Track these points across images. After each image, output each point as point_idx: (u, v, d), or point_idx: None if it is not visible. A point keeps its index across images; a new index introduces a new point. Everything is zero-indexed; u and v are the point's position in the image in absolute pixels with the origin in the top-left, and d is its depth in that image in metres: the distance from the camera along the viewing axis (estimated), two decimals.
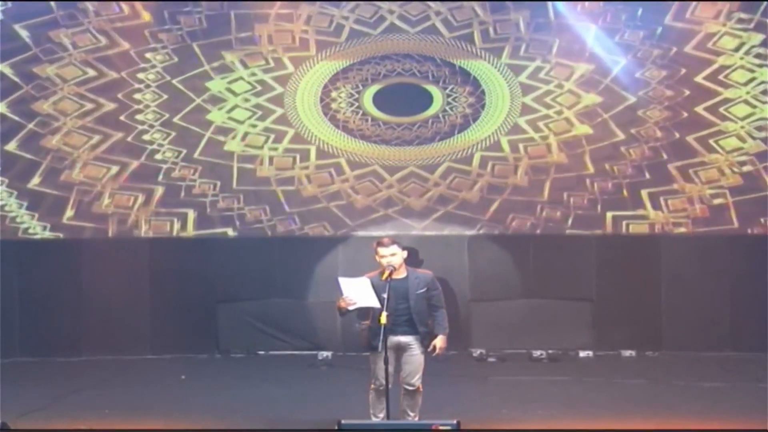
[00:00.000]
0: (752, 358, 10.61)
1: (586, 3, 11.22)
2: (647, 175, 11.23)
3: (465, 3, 11.19)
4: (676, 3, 11.06)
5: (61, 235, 11.34)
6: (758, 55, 11.07)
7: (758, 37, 11.04)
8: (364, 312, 7.63)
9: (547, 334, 11.25)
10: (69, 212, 11.35)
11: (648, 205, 11.27)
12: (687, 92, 11.18)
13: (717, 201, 11.24)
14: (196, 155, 11.38)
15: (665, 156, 11.24)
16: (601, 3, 11.18)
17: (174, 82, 11.34)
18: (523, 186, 11.37)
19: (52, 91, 11.32)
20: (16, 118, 11.33)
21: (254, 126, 11.43)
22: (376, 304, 7.37)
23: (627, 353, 11.28)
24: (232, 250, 11.45)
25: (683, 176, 11.25)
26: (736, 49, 11.09)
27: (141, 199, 11.39)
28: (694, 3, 11.05)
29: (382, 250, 7.59)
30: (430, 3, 11.21)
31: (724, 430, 8.00)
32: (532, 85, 11.30)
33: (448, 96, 11.40)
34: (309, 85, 11.39)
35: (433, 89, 11.41)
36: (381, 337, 7.25)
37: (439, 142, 11.43)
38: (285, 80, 11.38)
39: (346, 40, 11.31)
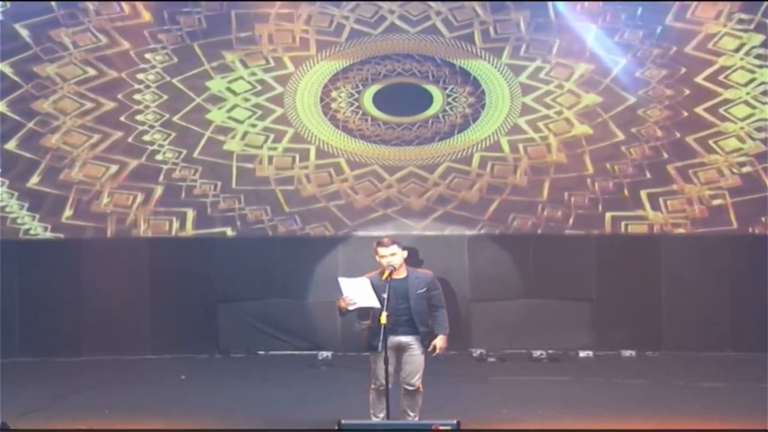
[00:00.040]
0: (752, 358, 10.61)
1: (586, 3, 11.22)
2: (648, 175, 11.23)
3: (466, 3, 11.20)
4: (677, 3, 11.06)
5: (61, 236, 11.35)
6: (758, 56, 11.07)
7: (758, 38, 11.04)
8: (364, 312, 7.63)
9: (547, 334, 11.25)
10: (68, 211, 11.35)
11: (647, 205, 11.27)
12: (687, 91, 11.19)
13: (716, 202, 11.24)
14: (195, 155, 11.38)
15: (666, 155, 11.24)
16: (601, 3, 11.18)
17: (174, 81, 11.34)
18: (523, 186, 11.37)
19: (52, 90, 11.33)
20: (16, 117, 11.33)
21: (254, 126, 11.44)
22: (376, 304, 7.37)
23: (627, 353, 11.28)
24: (232, 250, 11.45)
25: (682, 177, 11.25)
26: (737, 50, 11.10)
27: (140, 198, 11.39)
28: (695, 3, 11.05)
29: (382, 250, 7.58)
30: (431, 3, 11.21)
31: (724, 430, 8.00)
32: (532, 86, 11.30)
33: (448, 96, 11.40)
34: (309, 85, 11.39)
35: (433, 89, 11.41)
36: (381, 337, 7.24)
37: (439, 142, 11.43)
38: (285, 80, 11.39)
39: (347, 40, 11.31)
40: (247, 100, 11.43)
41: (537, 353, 11.15)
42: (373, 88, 11.43)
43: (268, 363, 11.15)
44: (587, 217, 11.31)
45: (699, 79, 11.16)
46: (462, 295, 11.24)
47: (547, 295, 11.37)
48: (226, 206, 11.39)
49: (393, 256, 7.55)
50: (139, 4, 11.26)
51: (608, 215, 11.30)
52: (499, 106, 11.38)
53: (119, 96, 11.34)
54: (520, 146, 11.38)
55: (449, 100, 11.39)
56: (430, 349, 7.62)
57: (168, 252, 11.43)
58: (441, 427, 6.39)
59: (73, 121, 11.36)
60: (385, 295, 7.30)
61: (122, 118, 11.34)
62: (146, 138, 11.38)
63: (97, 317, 11.32)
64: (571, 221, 11.32)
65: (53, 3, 11.19)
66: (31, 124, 11.34)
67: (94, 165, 11.40)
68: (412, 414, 7.68)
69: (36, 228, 11.34)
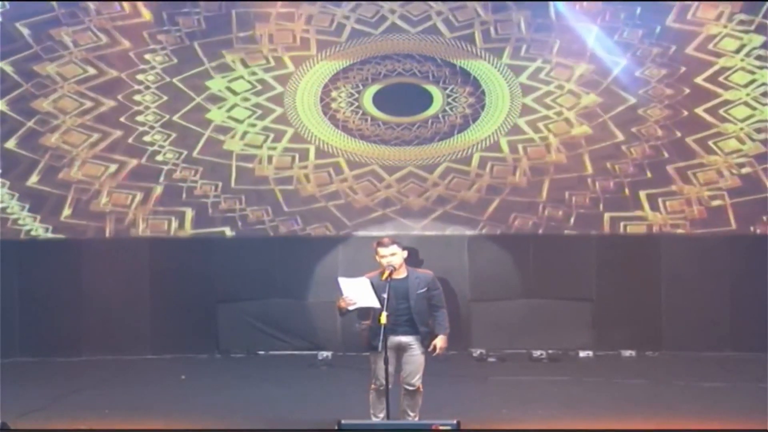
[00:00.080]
0: (752, 358, 10.61)
1: (585, 3, 11.21)
2: (648, 174, 11.23)
3: (467, 3, 11.19)
4: (678, 5, 11.05)
5: (62, 236, 11.34)
6: (759, 57, 11.07)
7: (759, 39, 11.04)
8: (364, 312, 7.63)
9: (547, 334, 11.25)
10: (67, 211, 11.35)
11: (646, 206, 11.27)
12: (687, 91, 11.19)
13: (715, 203, 11.24)
14: (195, 154, 11.37)
15: (666, 154, 11.24)
16: (601, 3, 11.17)
17: (174, 80, 11.34)
18: (522, 186, 11.37)
19: (52, 89, 11.32)
20: (16, 116, 11.33)
21: (253, 125, 11.43)
22: (376, 304, 7.37)
23: (627, 353, 11.28)
24: (232, 250, 11.45)
25: (682, 178, 11.25)
26: (737, 51, 11.10)
27: (139, 197, 11.39)
28: (695, 4, 11.05)
29: (382, 250, 7.58)
30: (432, 3, 11.21)
31: (724, 430, 8.00)
32: (532, 86, 11.30)
33: (448, 96, 11.39)
34: (309, 85, 11.39)
35: (433, 89, 11.41)
36: (381, 337, 7.24)
37: (439, 143, 11.43)
38: (285, 79, 11.39)
39: (347, 40, 11.31)
40: (246, 99, 11.43)
41: (537, 353, 11.15)
42: (373, 88, 11.43)
43: (268, 363, 11.15)
44: (588, 216, 11.31)
45: (699, 80, 11.16)
46: (462, 295, 11.24)
47: (547, 295, 11.37)
48: (227, 207, 11.39)
49: (393, 256, 7.55)
50: (139, 4, 11.26)
51: (607, 216, 11.30)
52: (499, 106, 11.38)
53: (119, 97, 11.34)
54: (520, 147, 11.38)
55: (449, 100, 11.39)
56: (430, 349, 7.62)
57: (168, 252, 11.43)
58: (441, 427, 6.39)
59: (72, 120, 11.35)
60: (385, 295, 7.29)
61: (122, 119, 11.34)
62: (147, 139, 11.38)
63: (97, 317, 11.32)
64: (572, 221, 11.32)
65: (54, 3, 11.19)
66: (30, 123, 11.34)
67: (93, 164, 11.40)
68: (412, 414, 7.68)
69: (37, 229, 11.34)
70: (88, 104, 11.36)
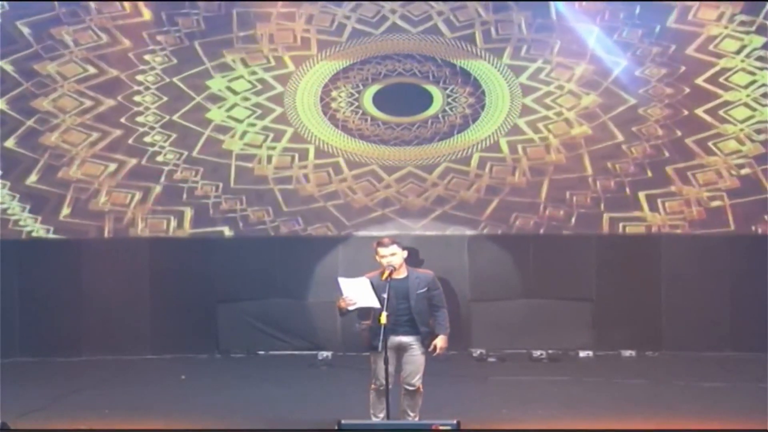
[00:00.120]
0: (752, 358, 10.61)
1: (585, 2, 11.21)
2: (649, 173, 11.23)
3: (468, 3, 11.19)
4: (679, 5, 11.04)
5: (62, 236, 11.34)
6: (759, 58, 11.06)
7: (760, 40, 11.03)
8: (364, 312, 7.62)
9: (547, 334, 11.26)
10: (65, 210, 11.35)
11: (645, 207, 11.27)
12: (687, 90, 11.19)
13: (714, 204, 11.24)
14: (194, 153, 11.37)
15: (667, 154, 11.24)
16: (601, 3, 11.17)
17: (174, 80, 11.33)
18: (521, 187, 11.37)
19: (52, 88, 11.32)
20: (16, 115, 11.32)
21: (253, 125, 11.43)
22: (375, 304, 7.36)
23: (627, 353, 11.28)
24: (232, 250, 11.45)
25: (681, 178, 11.25)
26: (738, 52, 11.09)
27: (138, 196, 11.39)
28: (696, 5, 11.04)
29: (382, 250, 7.58)
30: (433, 3, 11.21)
31: (724, 430, 8.00)
32: (532, 86, 11.30)
33: (449, 96, 11.39)
34: (309, 85, 11.39)
35: (433, 89, 11.41)
36: (381, 337, 7.24)
37: (438, 143, 11.43)
38: (285, 79, 11.38)
39: (348, 40, 11.31)
40: (246, 99, 11.42)
41: (537, 353, 11.15)
42: (374, 88, 11.43)
43: (268, 363, 11.15)
44: (589, 216, 11.31)
45: (699, 81, 11.16)
46: (462, 295, 11.24)
47: (547, 295, 11.37)
48: (228, 207, 11.39)
49: (393, 256, 7.55)
50: (140, 3, 11.26)
51: (606, 216, 11.30)
52: (499, 106, 11.38)
53: (119, 98, 11.33)
54: (519, 147, 11.38)
55: (449, 100, 11.39)
56: (430, 349, 7.62)
57: (168, 252, 11.43)
58: (441, 427, 6.39)
59: (72, 120, 11.35)
60: (384, 295, 7.29)
61: (123, 120, 11.34)
62: (147, 140, 11.37)
63: (97, 317, 11.31)
64: (573, 220, 11.32)
65: (55, 2, 11.18)
66: (30, 122, 11.34)
67: (92, 163, 11.40)
68: (412, 414, 7.68)
69: (38, 230, 11.34)
70: (88, 103, 11.35)
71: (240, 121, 11.43)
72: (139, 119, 11.36)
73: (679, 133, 11.23)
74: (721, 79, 11.14)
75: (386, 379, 7.36)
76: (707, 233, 11.25)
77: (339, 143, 11.45)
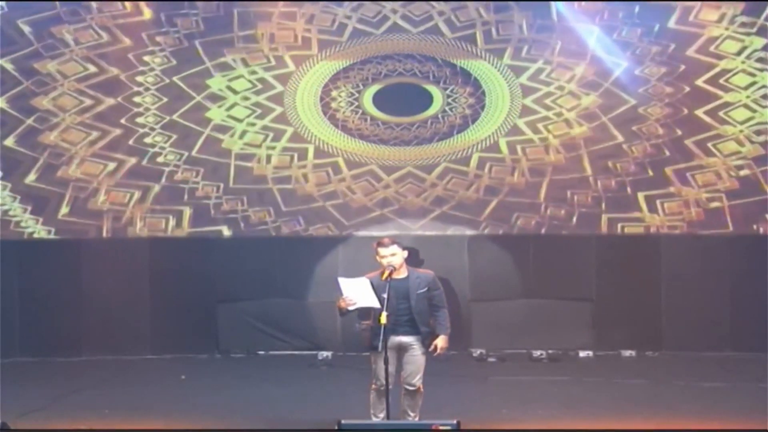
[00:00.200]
0: (752, 358, 10.62)
1: (584, 2, 11.21)
2: (650, 172, 11.23)
3: (468, 3, 11.19)
4: (680, 7, 11.04)
5: (63, 236, 11.34)
6: (760, 59, 11.06)
7: (760, 41, 11.03)
8: (365, 312, 7.62)
9: (547, 334, 11.26)
10: (64, 209, 11.35)
11: (644, 207, 11.27)
12: (687, 89, 11.18)
13: (713, 204, 11.23)
14: (194, 153, 11.37)
15: (667, 153, 11.24)
16: (601, 3, 11.17)
17: (174, 79, 11.33)
18: (520, 187, 11.36)
19: (52, 86, 11.32)
20: (15, 113, 11.32)
21: (253, 124, 11.43)
22: (376, 304, 7.36)
23: (627, 353, 11.28)
24: (232, 250, 11.45)
25: (680, 179, 11.25)
26: (738, 53, 11.09)
27: (137, 196, 11.39)
28: (697, 6, 11.03)
29: (382, 251, 7.58)
30: (434, 3, 11.20)
31: (724, 430, 8.00)
32: (532, 87, 11.30)
33: (449, 96, 11.39)
34: (309, 84, 11.39)
35: (433, 89, 11.41)
36: (381, 337, 7.24)
37: (438, 143, 11.42)
38: (285, 79, 11.38)
39: (348, 40, 11.30)
40: (246, 98, 11.42)
41: (537, 353, 11.15)
42: (374, 88, 11.42)
43: (268, 363, 11.15)
44: (591, 215, 11.31)
45: (700, 82, 11.16)
46: (462, 295, 11.24)
47: (547, 295, 11.37)
48: (229, 208, 11.39)
49: (393, 257, 7.55)
50: (141, 3, 11.26)
51: (605, 217, 11.30)
52: (499, 106, 11.37)
53: (120, 99, 11.33)
54: (519, 147, 11.38)
55: (449, 100, 11.39)
56: (431, 349, 7.62)
57: (168, 252, 11.43)
58: (441, 427, 6.39)
59: (72, 118, 11.35)
60: (385, 295, 7.29)
61: (123, 121, 11.33)
62: (147, 140, 11.37)
63: (97, 317, 11.31)
64: (574, 220, 11.32)
65: (56, 1, 11.18)
66: (30, 121, 11.33)
67: (92, 162, 11.40)
68: (412, 414, 7.68)
69: (40, 232, 11.33)
70: (88, 102, 11.35)
71: (240, 121, 11.43)
72: (140, 120, 11.35)
73: (679, 132, 11.23)
74: (721, 81, 11.13)
75: (386, 379, 7.35)
76: (704, 234, 11.25)
77: (338, 143, 11.45)
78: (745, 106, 11.16)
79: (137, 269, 11.46)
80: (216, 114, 11.43)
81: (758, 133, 11.18)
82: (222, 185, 11.38)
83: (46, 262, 11.34)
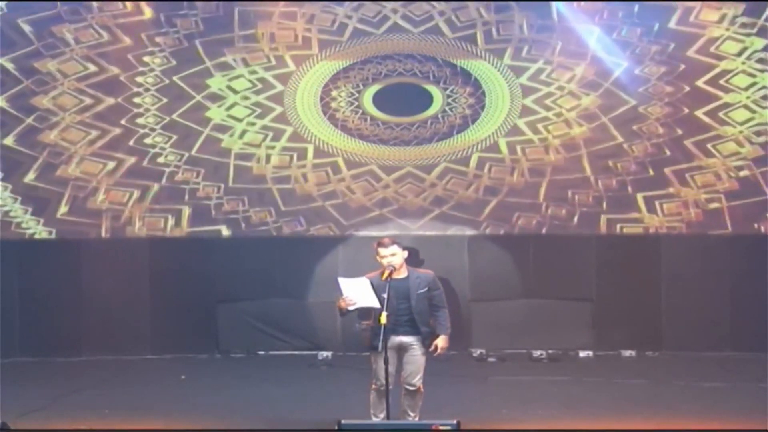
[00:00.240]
0: (752, 358, 10.62)
1: (583, 2, 11.20)
2: (651, 172, 11.22)
3: (469, 3, 11.18)
4: (681, 7, 11.03)
5: (63, 237, 11.34)
6: (760, 60, 11.06)
7: (761, 42, 11.03)
8: (365, 312, 7.62)
9: (547, 334, 11.26)
10: (63, 208, 11.35)
11: (643, 208, 11.27)
12: (687, 88, 11.18)
13: (712, 205, 11.23)
14: (193, 152, 11.37)
15: (668, 152, 11.24)
16: (601, 3, 11.17)
17: (174, 78, 11.33)
18: (520, 188, 11.36)
19: (52, 86, 11.32)
20: (15, 112, 11.32)
21: (253, 124, 11.43)
22: (376, 304, 7.36)
23: (627, 353, 11.28)
24: (232, 250, 11.44)
25: (679, 180, 11.25)
26: (739, 54, 11.09)
27: (136, 195, 11.39)
28: (698, 7, 11.03)
29: (382, 251, 7.58)
30: (434, 3, 11.20)
31: (724, 430, 8.00)
32: (532, 87, 11.29)
33: (449, 97, 11.39)
34: (309, 84, 11.39)
35: (433, 89, 11.40)
36: (381, 337, 7.24)
37: (438, 143, 11.42)
38: (286, 78, 11.38)
39: (349, 39, 11.30)
40: (246, 98, 11.42)
41: (537, 353, 11.15)
42: (374, 88, 11.42)
43: (268, 363, 11.15)
44: (592, 215, 11.31)
45: (700, 83, 11.15)
46: (462, 295, 11.24)
47: (547, 295, 11.37)
48: (230, 208, 11.39)
49: (393, 257, 7.54)
50: (141, 2, 11.25)
51: (604, 218, 11.30)
52: (499, 107, 11.37)
53: (119, 99, 11.33)
54: (518, 147, 11.38)
55: (449, 100, 11.39)
56: (431, 349, 7.62)
57: (168, 252, 11.43)
58: (441, 427, 6.39)
59: (72, 117, 11.35)
60: (385, 295, 7.29)
61: (123, 121, 11.33)
62: (148, 141, 11.36)
63: (97, 317, 11.31)
64: (575, 219, 11.32)
65: (57, 1, 11.18)
66: (29, 120, 11.33)
67: (91, 161, 11.40)
68: (412, 414, 7.68)
69: (41, 232, 11.33)
70: (88, 101, 11.35)
71: (239, 120, 11.43)
72: (140, 121, 11.35)
73: (679, 132, 11.22)
74: (721, 81, 11.13)
75: (386, 379, 7.35)
76: (703, 234, 11.25)
77: (338, 143, 11.45)
78: (745, 107, 11.16)
79: (137, 269, 11.46)
80: (216, 114, 11.43)
81: (758, 134, 11.17)
82: (222, 186, 11.38)
83: (46, 262, 11.34)
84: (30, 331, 11.27)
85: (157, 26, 11.25)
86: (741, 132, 11.20)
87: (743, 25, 11.02)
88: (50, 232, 11.32)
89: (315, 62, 11.36)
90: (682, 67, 11.13)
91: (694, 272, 11.27)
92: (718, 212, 11.21)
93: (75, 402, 9.42)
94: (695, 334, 11.16)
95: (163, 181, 11.34)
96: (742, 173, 11.20)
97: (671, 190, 11.26)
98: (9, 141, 11.34)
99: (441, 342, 7.60)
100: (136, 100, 11.34)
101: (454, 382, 9.74)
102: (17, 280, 11.33)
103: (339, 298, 7.52)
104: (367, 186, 11.47)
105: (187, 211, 11.38)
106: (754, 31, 11.02)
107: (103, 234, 11.38)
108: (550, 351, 11.18)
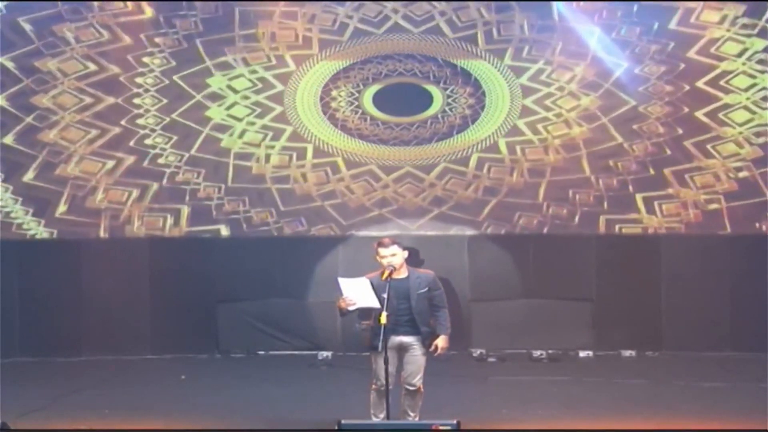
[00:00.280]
0: (752, 358, 10.62)
1: (582, 2, 11.20)
2: (651, 171, 11.22)
3: (470, 3, 11.18)
4: (681, 8, 11.03)
5: (63, 237, 11.33)
6: (760, 61, 11.06)
7: (762, 43, 11.03)
8: (365, 312, 7.62)
9: (547, 334, 11.26)
10: (62, 207, 11.35)
11: (642, 209, 11.27)
12: (687, 88, 11.18)
13: (711, 206, 11.23)
14: (193, 152, 11.36)
15: (668, 152, 11.24)
16: (600, 3, 11.17)
17: (174, 78, 11.32)
18: (519, 188, 11.36)
19: (52, 85, 11.31)
20: (15, 111, 11.32)
21: (252, 123, 11.43)
22: (376, 304, 7.36)
23: (627, 353, 11.28)
24: (232, 250, 11.45)
25: (678, 181, 11.25)
26: (739, 55, 11.09)
27: (135, 194, 11.38)
28: (699, 7, 11.03)
29: (382, 251, 7.58)
30: (435, 3, 11.20)
31: (724, 430, 8.00)
32: (533, 87, 11.29)
33: (449, 97, 11.39)
34: (309, 84, 11.39)
35: (433, 89, 11.40)
36: (381, 337, 7.24)
37: (437, 143, 11.42)
38: (286, 78, 11.38)
39: (349, 39, 11.30)
40: (246, 97, 11.42)
41: (537, 353, 11.15)
42: (374, 88, 11.42)
43: (268, 363, 11.15)
44: (593, 215, 11.31)
45: (700, 84, 11.15)
46: (462, 295, 11.23)
47: (547, 295, 11.37)
48: (231, 209, 11.39)
49: (393, 257, 7.54)
50: (142, 2, 11.25)
51: (603, 218, 11.30)
52: (499, 107, 11.37)
53: (119, 100, 11.32)
54: (518, 148, 11.38)
55: (449, 101, 11.38)
56: (431, 349, 7.62)
57: (168, 252, 11.43)
58: (441, 427, 6.39)
59: (71, 117, 11.35)
60: (385, 295, 7.29)
61: (123, 122, 11.33)
62: (148, 142, 11.36)
63: (97, 317, 11.31)
64: (576, 219, 11.32)
65: (58, 0, 11.19)
66: (29, 119, 11.33)
67: (90, 160, 11.40)
68: (412, 414, 7.68)
69: (42, 233, 11.33)
70: (88, 100, 11.35)
71: (239, 120, 11.43)
72: (140, 121, 11.35)
73: (679, 131, 11.22)
74: (721, 82, 11.13)
75: (386, 379, 7.35)
76: (703, 234, 11.25)
77: (338, 143, 11.45)
78: (745, 107, 11.16)
79: (137, 269, 11.46)
80: (216, 113, 11.43)
81: (758, 135, 11.17)
82: (223, 186, 11.38)
83: (46, 262, 11.33)
84: (30, 331, 11.27)
85: (157, 27, 11.25)
86: (741, 133, 11.20)
87: (744, 26, 11.02)
88: (51, 233, 11.32)
89: (315, 62, 11.36)
90: (682, 66, 11.14)
91: (694, 272, 11.27)
92: (718, 213, 11.21)
93: (75, 402, 9.42)
94: (695, 334, 11.16)
95: (164, 181, 11.34)
96: (741, 174, 11.21)
97: (670, 190, 11.26)
98: (9, 140, 11.34)
99: (441, 342, 7.60)
100: (136, 101, 11.34)
101: (454, 382, 9.74)
102: (17, 280, 11.33)
103: (339, 298, 7.52)
104: (366, 186, 11.47)
105: (186, 210, 11.38)
106: (755, 32, 11.02)
107: (102, 233, 11.38)
108: (550, 351, 11.18)
